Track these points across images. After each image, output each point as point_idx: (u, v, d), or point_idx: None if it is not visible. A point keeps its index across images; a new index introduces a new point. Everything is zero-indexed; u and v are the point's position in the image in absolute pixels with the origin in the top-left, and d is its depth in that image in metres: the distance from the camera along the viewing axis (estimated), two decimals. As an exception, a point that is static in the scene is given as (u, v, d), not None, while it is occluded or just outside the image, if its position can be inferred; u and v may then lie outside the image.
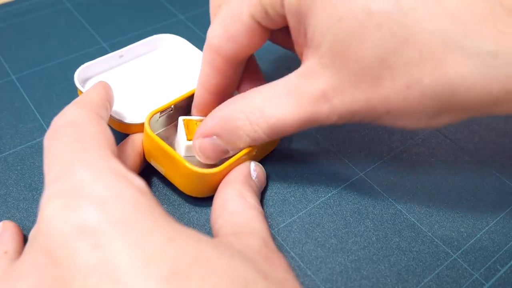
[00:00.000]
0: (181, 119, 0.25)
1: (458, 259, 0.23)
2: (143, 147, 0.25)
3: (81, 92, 0.26)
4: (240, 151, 0.23)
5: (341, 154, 0.28)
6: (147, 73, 0.30)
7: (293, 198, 0.26)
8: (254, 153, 0.25)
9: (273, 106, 0.21)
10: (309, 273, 0.22)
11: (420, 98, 0.18)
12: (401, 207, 0.25)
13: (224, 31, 0.22)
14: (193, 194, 0.24)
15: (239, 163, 0.24)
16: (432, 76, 0.18)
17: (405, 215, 0.25)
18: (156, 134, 0.24)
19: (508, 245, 0.24)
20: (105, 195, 0.16)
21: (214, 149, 0.23)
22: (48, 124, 0.29)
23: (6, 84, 0.32)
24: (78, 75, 0.27)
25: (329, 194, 0.26)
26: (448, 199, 0.26)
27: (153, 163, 0.25)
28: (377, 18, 0.17)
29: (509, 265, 0.23)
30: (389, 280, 0.22)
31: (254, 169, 0.24)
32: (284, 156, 0.28)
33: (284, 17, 0.21)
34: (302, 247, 0.23)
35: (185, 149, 0.24)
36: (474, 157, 0.29)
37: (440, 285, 0.22)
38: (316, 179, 0.27)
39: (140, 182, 0.18)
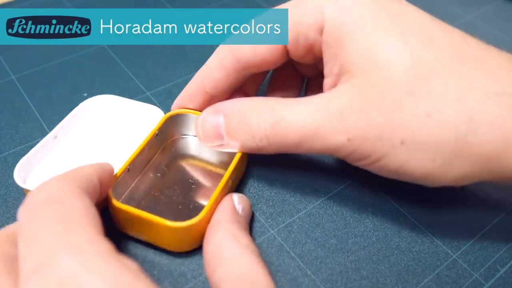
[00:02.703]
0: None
1: (458, 259, 0.23)
2: (115, 220, 0.23)
3: (27, 191, 0.23)
4: (230, 150, 0.24)
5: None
6: (88, 142, 0.27)
7: (293, 198, 0.26)
8: (230, 183, 0.24)
9: (285, 109, 0.22)
10: (309, 273, 0.22)
11: (439, 129, 0.19)
12: (401, 207, 0.25)
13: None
14: (184, 250, 0.23)
15: (222, 197, 0.23)
16: (454, 109, 0.19)
17: (405, 215, 0.25)
18: (121, 201, 0.23)
19: (508, 245, 0.24)
20: (100, 287, 0.14)
21: (215, 129, 0.23)
22: (48, 124, 0.29)
23: (6, 84, 0.32)
24: (19, 173, 0.24)
25: (329, 194, 0.26)
26: (448, 199, 0.26)
27: (131, 233, 0.23)
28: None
29: (509, 265, 0.23)
30: (389, 280, 0.22)
31: (239, 202, 0.23)
32: (284, 157, 0.28)
33: (308, 48, 0.23)
34: (302, 247, 0.23)
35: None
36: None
37: (440, 285, 0.22)
38: (316, 179, 0.27)
39: (133, 264, 0.16)
